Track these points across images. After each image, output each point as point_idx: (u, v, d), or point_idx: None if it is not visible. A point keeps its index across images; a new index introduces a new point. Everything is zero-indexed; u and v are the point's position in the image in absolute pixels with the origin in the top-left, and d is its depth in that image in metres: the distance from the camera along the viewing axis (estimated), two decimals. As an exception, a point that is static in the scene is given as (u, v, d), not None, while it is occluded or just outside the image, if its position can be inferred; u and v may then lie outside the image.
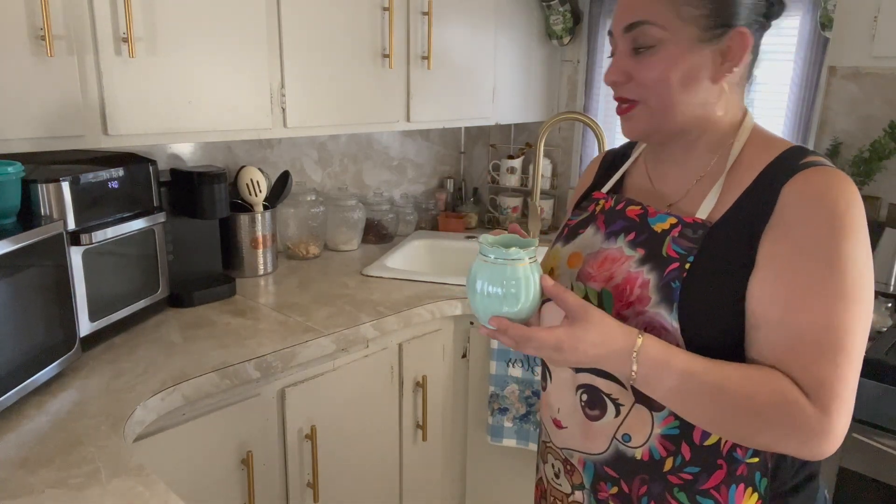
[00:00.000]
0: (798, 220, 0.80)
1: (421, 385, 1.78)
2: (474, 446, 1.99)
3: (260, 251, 1.92)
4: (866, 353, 1.39)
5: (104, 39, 1.35)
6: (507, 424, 1.85)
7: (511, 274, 0.79)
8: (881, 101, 1.87)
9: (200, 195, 1.69)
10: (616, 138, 2.49)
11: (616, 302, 0.87)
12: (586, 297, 0.90)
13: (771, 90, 2.09)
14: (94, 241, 1.37)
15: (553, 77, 2.55)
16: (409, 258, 2.27)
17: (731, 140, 0.89)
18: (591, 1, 2.44)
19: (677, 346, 0.82)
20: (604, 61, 2.46)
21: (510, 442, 1.86)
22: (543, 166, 2.57)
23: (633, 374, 0.81)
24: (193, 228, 1.75)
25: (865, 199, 1.91)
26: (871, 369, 1.38)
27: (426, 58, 1.96)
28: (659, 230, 0.88)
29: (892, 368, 1.36)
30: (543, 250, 0.97)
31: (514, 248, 0.79)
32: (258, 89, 1.62)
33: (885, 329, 1.59)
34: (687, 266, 0.83)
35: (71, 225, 1.35)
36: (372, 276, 1.96)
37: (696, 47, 0.84)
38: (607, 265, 0.90)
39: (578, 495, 0.97)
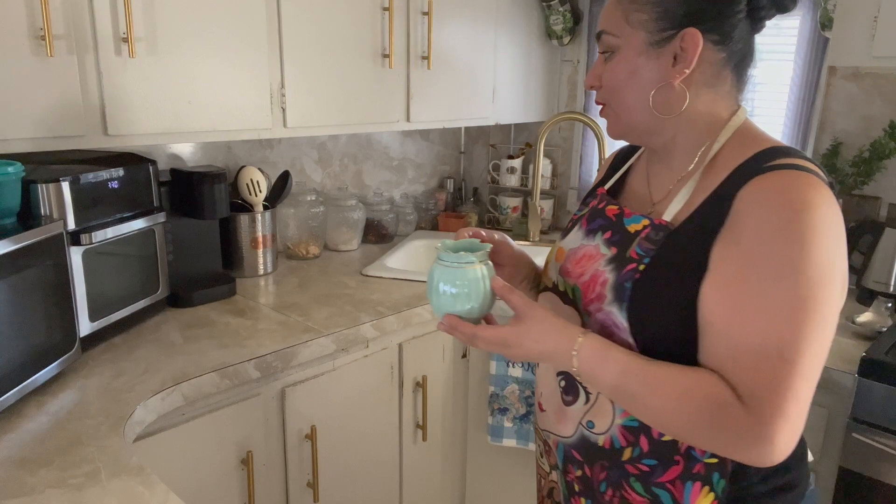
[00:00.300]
0: (749, 226, 0.78)
1: (421, 385, 1.78)
2: (474, 446, 1.99)
3: (260, 251, 1.92)
4: (867, 353, 1.39)
5: (104, 39, 1.35)
6: (507, 424, 1.86)
7: (462, 276, 0.86)
8: (881, 101, 1.87)
9: (200, 195, 1.69)
10: (616, 138, 2.49)
11: (583, 298, 0.91)
12: (566, 292, 0.94)
13: (771, 90, 2.09)
14: (94, 241, 1.37)
15: (553, 77, 2.55)
16: (409, 258, 2.27)
17: (711, 140, 0.89)
18: (591, 1, 2.44)
19: (628, 345, 0.85)
20: (604, 61, 2.45)
21: (510, 442, 1.86)
22: (543, 166, 2.56)
23: (574, 370, 0.84)
24: (193, 228, 1.75)
25: (865, 199, 1.92)
26: (872, 369, 1.38)
27: (426, 58, 1.96)
28: (632, 231, 0.89)
29: (893, 368, 1.36)
30: (530, 248, 0.98)
31: (464, 253, 0.87)
32: (258, 89, 1.62)
33: (885, 329, 1.59)
34: (641, 268, 0.85)
35: (71, 225, 1.35)
36: (372, 276, 1.96)
37: (647, 51, 0.86)
38: (584, 262, 0.93)
39: (554, 475, 1.02)
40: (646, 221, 0.88)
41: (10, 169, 1.19)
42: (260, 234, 1.91)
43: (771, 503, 0.88)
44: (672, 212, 0.87)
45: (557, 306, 0.96)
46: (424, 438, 1.83)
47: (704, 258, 0.81)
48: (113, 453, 1.07)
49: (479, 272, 0.86)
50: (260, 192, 1.90)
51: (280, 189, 1.99)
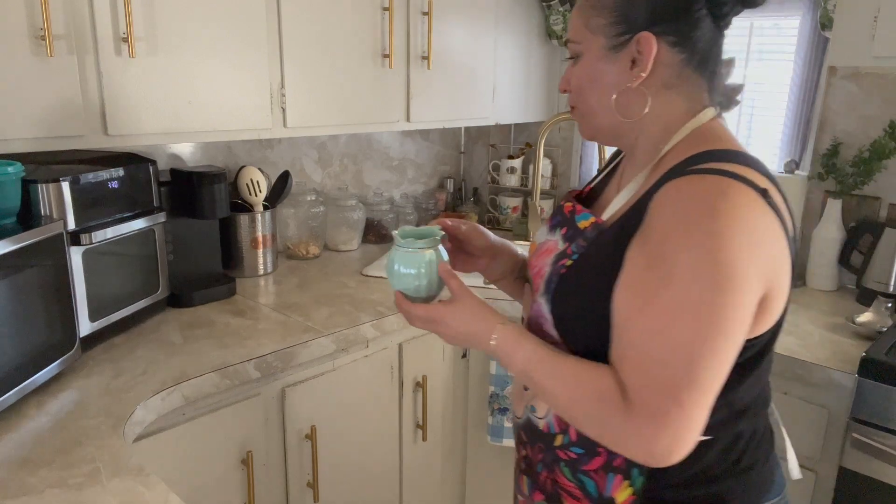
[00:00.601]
0: (655, 228, 0.79)
1: (421, 385, 1.78)
2: (474, 446, 1.99)
3: (260, 251, 1.92)
4: (867, 353, 1.39)
5: (104, 39, 1.35)
6: (507, 425, 1.86)
7: (411, 258, 0.94)
8: (881, 101, 1.87)
9: (200, 195, 1.69)
10: (616, 138, 2.49)
11: (532, 288, 0.96)
12: (529, 281, 0.99)
13: (771, 90, 2.09)
14: (94, 241, 1.37)
15: (553, 77, 2.55)
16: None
17: (664, 141, 0.88)
18: (591, 1, 2.43)
19: (553, 337, 0.89)
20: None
21: (510, 442, 1.86)
22: (543, 166, 2.56)
23: (495, 352, 0.89)
24: (193, 228, 1.75)
25: (865, 199, 1.92)
26: (872, 369, 1.38)
27: (426, 58, 1.96)
28: (581, 227, 0.91)
29: (893, 368, 1.36)
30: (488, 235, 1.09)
31: (411, 239, 0.95)
32: (258, 89, 1.62)
33: (885, 329, 1.59)
34: (569, 263, 0.88)
35: (71, 225, 1.34)
36: (372, 276, 1.96)
37: (606, 56, 0.87)
38: (543, 256, 0.95)
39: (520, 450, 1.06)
40: (593, 219, 0.90)
41: (10, 169, 1.19)
42: (260, 234, 1.91)
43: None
44: (610, 211, 0.89)
45: (528, 297, 1.00)
46: (424, 438, 1.83)
47: (621, 258, 0.82)
48: (113, 453, 1.07)
49: (426, 256, 0.94)
50: (260, 192, 1.90)
51: (280, 189, 1.99)
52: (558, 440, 0.93)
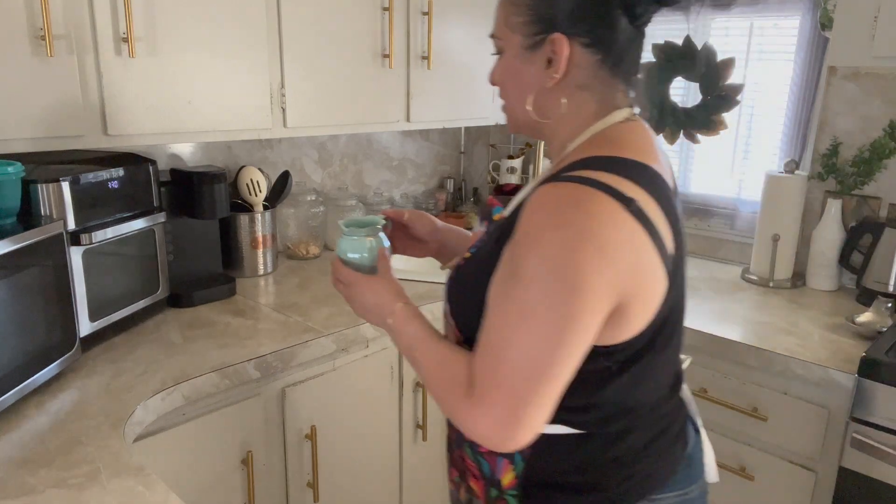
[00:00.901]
0: (518, 230, 0.80)
1: (421, 385, 1.78)
2: (474, 446, 1.98)
3: (260, 251, 1.92)
4: (867, 353, 1.39)
5: (104, 39, 1.35)
6: None
7: (356, 245, 1.06)
8: (881, 101, 1.87)
9: (200, 195, 1.69)
10: (616, 138, 2.49)
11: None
12: None
13: (771, 90, 2.09)
14: (94, 241, 1.37)
15: (553, 77, 2.55)
16: (409, 258, 2.27)
17: (571, 142, 0.89)
18: (591, 1, 2.43)
19: (452, 325, 0.92)
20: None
21: None
22: (543, 166, 2.56)
23: (391, 328, 0.96)
24: (193, 228, 1.75)
25: (865, 199, 1.92)
26: (872, 369, 1.38)
27: (426, 58, 1.96)
28: (495, 219, 0.93)
29: (893, 368, 1.36)
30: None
31: (355, 227, 1.07)
32: (258, 89, 1.63)
33: (885, 329, 1.59)
34: (468, 256, 0.92)
35: (71, 225, 1.34)
36: (372, 276, 1.96)
37: (524, 54, 0.88)
38: (470, 245, 0.98)
39: None
40: (500, 213, 0.93)
41: (10, 169, 1.19)
42: (260, 234, 1.91)
43: (562, 497, 0.91)
44: (510, 208, 0.90)
45: None
46: (424, 438, 1.83)
47: (499, 254, 0.84)
48: (113, 453, 1.07)
49: (367, 243, 1.06)
50: (260, 192, 1.90)
51: (280, 189, 1.99)
52: None
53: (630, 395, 0.89)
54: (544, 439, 0.88)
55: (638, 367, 0.87)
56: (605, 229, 0.76)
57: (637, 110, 0.91)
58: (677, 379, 0.98)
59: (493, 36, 0.94)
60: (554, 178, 0.82)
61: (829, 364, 1.47)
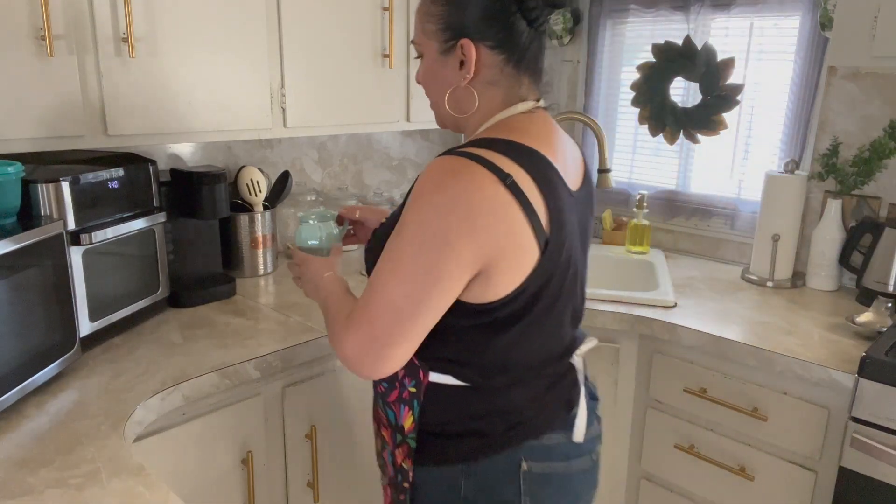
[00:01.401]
0: (410, 195, 0.94)
1: (421, 385, 1.78)
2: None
3: (260, 251, 1.92)
4: (867, 353, 1.39)
5: (104, 39, 1.35)
6: None
7: (312, 232, 1.25)
8: (881, 101, 1.87)
9: (200, 195, 1.69)
10: (616, 137, 2.49)
11: None
12: None
13: (771, 90, 2.09)
14: (94, 241, 1.37)
15: (553, 77, 2.55)
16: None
17: (480, 128, 1.02)
18: (591, 1, 2.44)
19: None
20: (604, 62, 2.46)
21: None
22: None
23: (320, 292, 1.10)
24: (193, 228, 1.75)
25: (865, 199, 1.92)
26: (872, 369, 1.38)
27: (426, 58, 1.96)
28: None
29: (893, 368, 1.36)
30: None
31: (313, 218, 1.25)
32: (258, 89, 1.63)
33: (885, 329, 1.59)
34: (381, 222, 1.05)
35: (71, 225, 1.35)
36: (372, 276, 1.96)
37: (440, 58, 1.01)
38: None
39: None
40: None
41: (10, 169, 1.19)
42: (260, 234, 1.91)
43: (456, 440, 1.02)
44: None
45: None
46: (424, 438, 1.83)
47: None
48: (113, 453, 1.07)
49: (319, 230, 1.25)
50: (260, 192, 1.90)
51: (280, 189, 1.99)
52: None
53: (510, 355, 1.00)
54: (435, 388, 1.01)
55: (516, 331, 0.98)
56: (478, 198, 0.88)
57: (542, 102, 1.04)
58: (567, 350, 1.08)
59: (413, 42, 1.06)
60: (448, 152, 0.94)
61: (829, 364, 1.47)
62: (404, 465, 1.05)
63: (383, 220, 1.21)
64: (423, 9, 1.01)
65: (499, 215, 0.88)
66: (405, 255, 0.90)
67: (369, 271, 1.01)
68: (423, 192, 0.90)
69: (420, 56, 1.05)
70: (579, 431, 1.07)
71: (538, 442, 1.02)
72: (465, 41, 0.97)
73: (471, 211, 0.87)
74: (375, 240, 1.03)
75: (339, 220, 1.34)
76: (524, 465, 1.01)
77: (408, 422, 1.04)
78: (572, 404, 1.07)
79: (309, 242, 1.26)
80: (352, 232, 1.37)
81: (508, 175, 0.89)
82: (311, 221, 1.28)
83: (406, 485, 1.06)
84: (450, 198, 0.87)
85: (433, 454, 1.04)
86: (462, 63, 0.98)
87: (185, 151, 1.91)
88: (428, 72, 1.04)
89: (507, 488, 1.01)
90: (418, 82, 1.08)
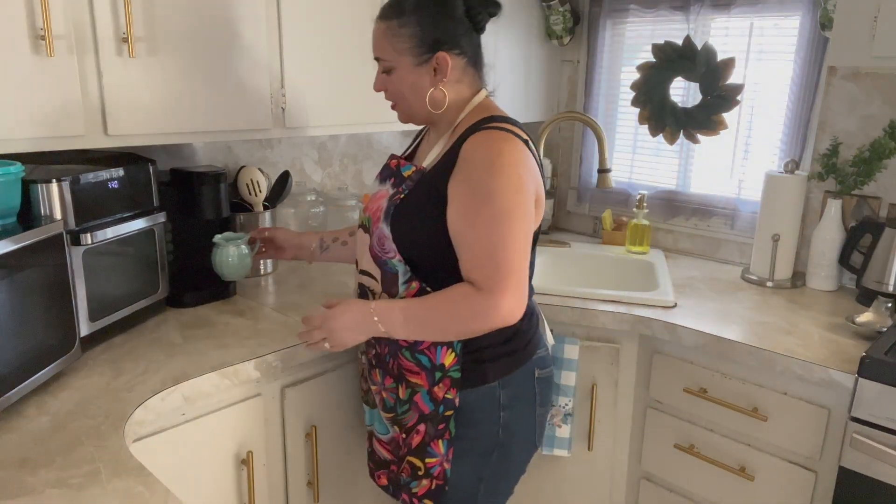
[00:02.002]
0: (466, 166, 1.18)
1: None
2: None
3: (260, 251, 1.92)
4: (867, 353, 1.39)
5: (104, 39, 1.35)
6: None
7: (227, 252, 1.60)
8: (881, 101, 1.87)
9: (200, 195, 1.69)
10: (616, 137, 2.49)
11: (372, 222, 1.30)
12: (364, 223, 1.34)
13: (771, 90, 2.09)
14: (94, 241, 1.37)
15: (553, 77, 2.55)
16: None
17: (459, 113, 1.28)
18: (591, 1, 2.44)
19: (394, 249, 1.25)
20: (604, 62, 2.46)
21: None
22: (543, 166, 2.56)
23: (380, 328, 1.24)
24: (193, 228, 1.75)
25: (865, 199, 1.92)
26: (872, 369, 1.38)
27: (426, 58, 1.96)
28: (406, 175, 1.29)
29: (893, 368, 1.36)
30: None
31: (224, 241, 1.58)
32: (258, 89, 1.62)
33: (885, 329, 1.59)
34: (402, 196, 1.25)
35: (71, 225, 1.34)
36: (372, 276, 1.96)
37: (414, 69, 1.24)
38: (376, 200, 1.32)
39: (363, 358, 1.44)
40: (414, 168, 1.28)
41: (10, 169, 1.19)
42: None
43: (495, 363, 1.28)
44: (428, 160, 1.28)
45: (361, 235, 1.36)
46: (424, 438, 1.83)
47: (443, 190, 1.19)
48: (113, 453, 1.07)
49: (229, 251, 1.60)
50: (260, 192, 1.90)
51: (280, 189, 1.99)
52: None
53: (529, 281, 1.29)
54: None
55: (533, 258, 1.29)
56: (523, 155, 1.20)
57: (491, 88, 1.34)
58: None
59: (379, 59, 1.26)
60: (474, 130, 1.21)
61: (829, 364, 1.47)
62: (448, 396, 1.26)
63: (289, 235, 1.63)
64: (389, 32, 1.22)
65: (533, 165, 1.22)
66: (508, 207, 1.15)
67: (397, 237, 1.23)
68: (489, 159, 1.16)
69: (386, 70, 1.26)
70: (549, 339, 1.43)
71: (537, 354, 1.34)
72: (440, 55, 1.23)
73: (526, 166, 1.19)
74: (404, 210, 1.23)
75: (251, 241, 1.63)
76: (537, 373, 1.34)
77: (449, 358, 1.25)
78: (541, 320, 1.41)
79: (222, 260, 1.58)
80: (263, 249, 1.64)
81: (526, 140, 1.23)
82: (222, 243, 1.56)
83: (449, 413, 1.27)
84: (512, 158, 1.17)
85: (475, 379, 1.27)
86: (436, 70, 1.24)
87: (185, 151, 1.91)
88: (404, 83, 1.25)
89: (528, 391, 1.32)
90: (378, 90, 1.30)
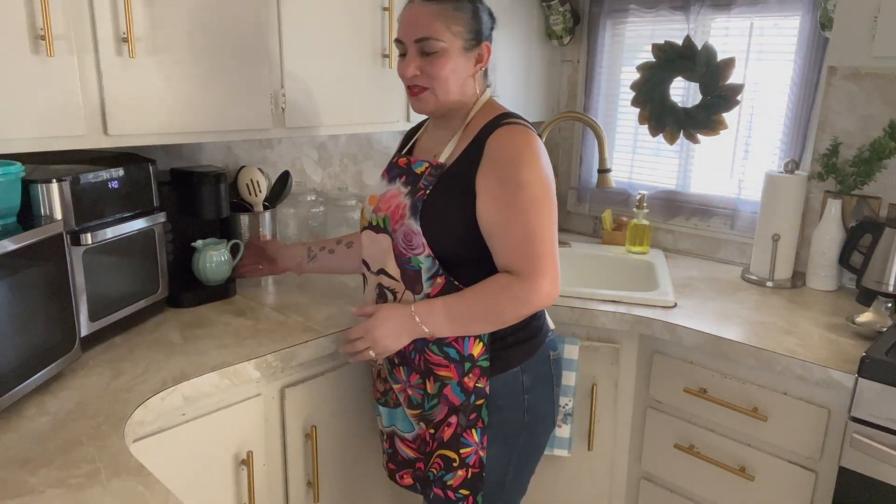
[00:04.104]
0: (494, 160, 1.24)
1: (421, 385, 1.78)
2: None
3: (260, 251, 1.92)
4: (867, 353, 1.39)
5: (104, 39, 1.35)
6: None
7: (209, 257, 1.69)
8: (881, 101, 1.87)
9: (200, 195, 1.69)
10: (616, 137, 2.49)
11: (392, 221, 1.32)
12: (378, 224, 1.36)
13: (771, 90, 2.09)
14: (94, 241, 1.37)
15: (553, 77, 2.55)
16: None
17: (470, 110, 1.34)
18: (591, 1, 2.44)
19: (422, 244, 1.27)
20: (604, 62, 2.46)
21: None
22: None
23: (424, 329, 1.27)
24: (193, 228, 1.75)
25: (865, 199, 1.92)
26: (872, 369, 1.38)
27: (426, 58, 1.95)
28: (419, 172, 1.32)
29: (893, 368, 1.36)
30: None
31: (204, 246, 1.66)
32: (258, 89, 1.62)
33: (885, 329, 1.59)
34: (428, 192, 1.28)
35: (71, 225, 1.34)
36: (372, 276, 1.96)
37: (462, 54, 1.28)
38: (390, 199, 1.34)
39: (380, 360, 1.42)
40: (427, 164, 1.32)
41: (10, 169, 1.19)
42: (260, 234, 1.91)
43: (517, 348, 1.33)
44: (444, 156, 1.31)
45: (372, 236, 1.37)
46: (424, 438, 1.83)
47: (471, 184, 1.25)
48: (113, 453, 1.07)
49: (210, 256, 1.69)
50: (260, 192, 1.90)
51: (280, 189, 1.99)
52: None
53: None
54: None
55: None
56: (542, 148, 1.28)
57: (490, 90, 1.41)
58: None
59: (430, 38, 1.25)
60: (495, 125, 1.27)
61: (829, 364, 1.47)
62: (479, 385, 1.31)
63: (277, 245, 1.71)
64: (444, 13, 1.25)
65: (548, 157, 1.29)
66: (538, 196, 1.23)
67: (427, 231, 1.26)
68: (518, 151, 1.24)
69: (432, 51, 1.26)
70: (551, 324, 1.48)
71: (549, 337, 1.41)
72: (486, 44, 1.32)
73: (546, 158, 1.27)
74: (432, 205, 1.27)
75: (234, 250, 1.71)
76: (551, 355, 1.40)
77: (477, 348, 1.30)
78: None
79: (205, 264, 1.65)
80: (260, 266, 1.72)
81: (539, 134, 1.31)
82: (201, 248, 1.65)
83: (480, 401, 1.32)
84: (536, 150, 1.25)
85: (500, 366, 1.32)
86: (477, 59, 1.31)
87: (185, 151, 1.91)
88: (451, 65, 1.27)
89: (546, 373, 1.38)
90: (412, 75, 1.29)
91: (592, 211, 2.58)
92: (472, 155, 1.27)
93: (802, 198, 2.01)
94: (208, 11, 1.50)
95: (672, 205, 2.36)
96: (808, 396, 1.52)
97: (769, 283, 2.01)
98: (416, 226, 1.27)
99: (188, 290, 1.70)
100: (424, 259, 1.28)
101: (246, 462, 1.42)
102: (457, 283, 1.29)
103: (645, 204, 2.27)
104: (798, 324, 1.70)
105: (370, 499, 1.76)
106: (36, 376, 1.21)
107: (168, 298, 1.65)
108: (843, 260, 1.91)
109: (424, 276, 1.29)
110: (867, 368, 1.39)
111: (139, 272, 1.54)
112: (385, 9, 1.83)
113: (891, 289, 1.79)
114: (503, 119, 1.29)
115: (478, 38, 1.29)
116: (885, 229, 1.81)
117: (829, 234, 1.93)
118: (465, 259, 1.28)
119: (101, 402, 1.22)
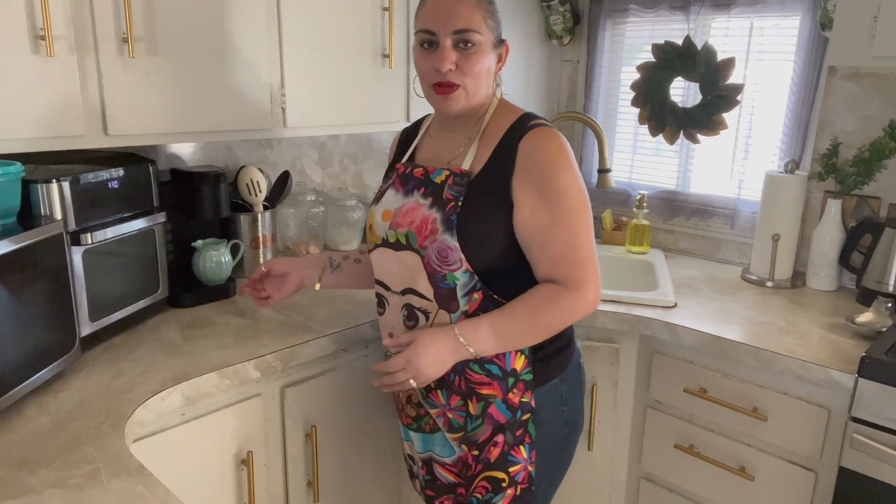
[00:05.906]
0: (530, 166, 1.17)
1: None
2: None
3: (260, 251, 1.92)
4: (867, 353, 1.39)
5: (104, 39, 1.35)
6: None
7: (210, 257, 1.70)
8: (881, 101, 1.87)
9: (200, 195, 1.69)
10: (616, 137, 2.49)
11: (418, 237, 1.22)
12: (398, 241, 1.25)
13: (771, 90, 2.09)
14: (94, 241, 1.37)
15: (553, 77, 2.55)
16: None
17: (484, 112, 1.27)
18: (591, 1, 2.44)
19: (460, 259, 1.18)
20: (604, 62, 2.46)
21: None
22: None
23: (470, 350, 1.19)
24: (193, 228, 1.75)
25: (865, 199, 1.92)
26: (872, 369, 1.38)
27: (426, 58, 1.96)
28: (439, 181, 1.22)
29: (893, 368, 1.36)
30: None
31: (204, 246, 1.64)
32: (258, 89, 1.62)
33: (885, 329, 1.59)
34: (460, 203, 1.19)
35: (71, 225, 1.35)
36: (372, 276, 1.96)
37: (491, 50, 1.22)
38: (410, 213, 1.23)
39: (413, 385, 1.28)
40: (447, 172, 1.22)
41: (10, 169, 1.19)
42: (260, 234, 1.91)
43: (560, 357, 1.30)
44: (468, 162, 1.22)
45: (389, 254, 1.26)
46: (424, 438, 1.83)
47: (507, 192, 1.18)
48: (113, 453, 1.07)
49: (210, 256, 1.69)
50: (260, 192, 1.90)
51: (280, 189, 1.99)
52: None
53: None
54: None
55: None
56: (571, 149, 1.21)
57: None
58: None
59: (470, 30, 1.18)
60: (523, 129, 1.20)
61: (828, 364, 1.47)
62: (524, 400, 1.25)
63: (286, 262, 1.45)
64: (482, 6, 1.19)
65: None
66: (577, 202, 1.18)
67: (465, 245, 1.17)
68: (553, 156, 1.17)
69: (468, 43, 1.18)
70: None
71: (578, 345, 1.39)
72: (507, 41, 1.26)
73: (574, 158, 1.21)
74: (468, 216, 1.18)
75: (235, 250, 1.68)
76: (581, 362, 1.39)
77: (519, 362, 1.25)
78: None
79: (205, 264, 1.65)
80: (266, 295, 1.44)
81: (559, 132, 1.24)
82: (201, 248, 1.62)
83: (526, 416, 1.26)
84: (569, 154, 1.20)
85: (541, 378, 1.27)
86: (499, 56, 1.25)
87: (185, 151, 1.91)
88: (485, 60, 1.20)
89: (578, 381, 1.35)
90: (447, 69, 1.18)
91: (592, 211, 2.58)
92: (504, 161, 1.19)
93: (802, 198, 2.00)
94: (208, 12, 1.50)
95: (672, 205, 2.36)
96: (808, 396, 1.52)
97: (769, 283, 2.01)
98: (452, 241, 1.17)
99: (188, 290, 1.70)
100: (461, 275, 1.19)
101: (246, 462, 1.42)
102: (495, 296, 1.21)
103: (645, 204, 2.27)
104: (798, 324, 1.70)
105: (370, 499, 1.76)
106: (36, 376, 1.21)
107: (168, 298, 1.65)
108: (843, 260, 1.91)
109: (460, 293, 1.20)
110: (867, 368, 1.39)
111: (139, 272, 1.54)
112: (385, 9, 1.83)
113: (891, 289, 1.79)
114: (528, 121, 1.22)
115: (502, 34, 1.24)
116: (885, 229, 1.81)
117: (829, 235, 1.93)
118: (503, 271, 1.21)
119: (101, 403, 1.22)
